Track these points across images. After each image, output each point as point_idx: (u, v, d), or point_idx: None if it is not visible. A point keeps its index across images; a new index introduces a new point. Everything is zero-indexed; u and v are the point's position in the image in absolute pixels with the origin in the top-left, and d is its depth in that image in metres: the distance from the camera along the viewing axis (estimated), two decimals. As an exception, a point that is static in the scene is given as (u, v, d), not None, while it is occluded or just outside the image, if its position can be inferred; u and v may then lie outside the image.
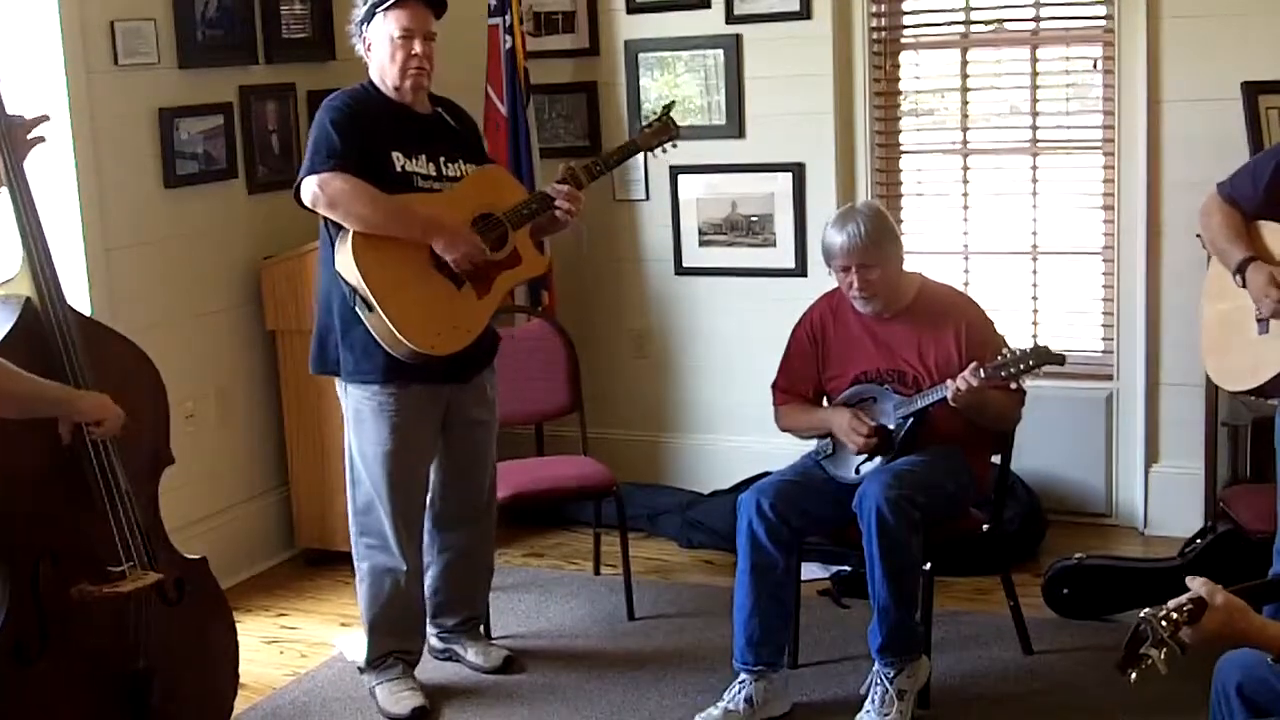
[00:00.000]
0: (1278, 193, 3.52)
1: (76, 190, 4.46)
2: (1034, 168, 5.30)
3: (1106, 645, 4.24)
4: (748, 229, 5.52)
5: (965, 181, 5.41)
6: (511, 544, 5.25)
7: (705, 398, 5.71)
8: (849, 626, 4.36)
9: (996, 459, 4.14)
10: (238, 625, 4.56)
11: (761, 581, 3.86)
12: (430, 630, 4.30)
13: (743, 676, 3.87)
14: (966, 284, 5.37)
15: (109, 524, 3.18)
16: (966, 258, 5.44)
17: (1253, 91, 4.72)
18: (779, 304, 5.08)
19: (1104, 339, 5.28)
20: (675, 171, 5.53)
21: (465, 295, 3.81)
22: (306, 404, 5.12)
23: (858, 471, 3.95)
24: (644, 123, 4.28)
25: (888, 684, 3.75)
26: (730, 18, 5.38)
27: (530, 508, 5.05)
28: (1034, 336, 5.27)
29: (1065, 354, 3.84)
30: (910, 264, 4.20)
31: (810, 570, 4.63)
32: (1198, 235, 3.93)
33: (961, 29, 5.36)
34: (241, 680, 4.19)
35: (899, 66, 5.44)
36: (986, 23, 5.38)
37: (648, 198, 5.66)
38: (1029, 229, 5.33)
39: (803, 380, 4.15)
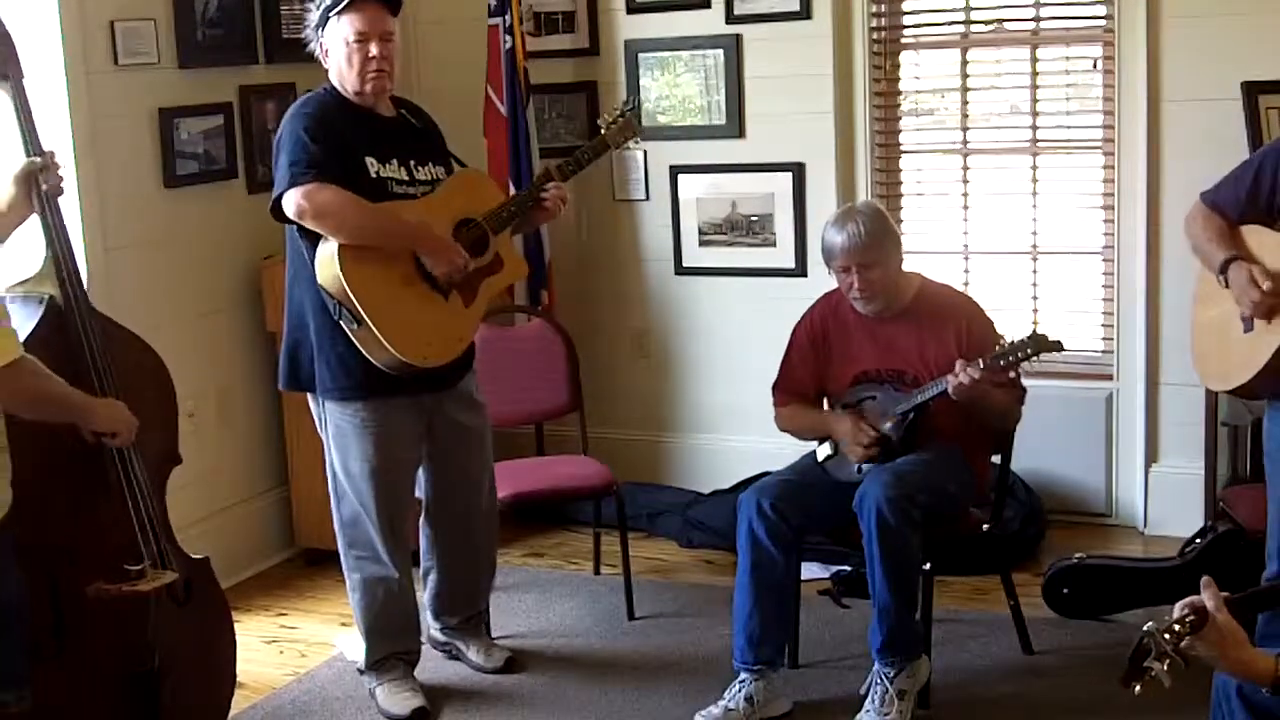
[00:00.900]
0: (1260, 197, 3.54)
1: (76, 190, 4.45)
2: (1034, 168, 5.30)
3: (1107, 645, 4.25)
4: (748, 229, 5.52)
5: (965, 181, 5.41)
6: (512, 544, 5.25)
7: (705, 397, 5.71)
8: (849, 626, 4.36)
9: (997, 459, 4.14)
10: (238, 625, 4.58)
11: (762, 581, 3.86)
12: (433, 625, 4.31)
13: (743, 676, 3.87)
14: (966, 284, 5.37)
15: (129, 523, 3.19)
16: (966, 258, 5.44)
17: (1253, 91, 4.72)
18: (779, 304, 5.07)
19: (1104, 339, 5.28)
20: (675, 171, 5.53)
21: (453, 304, 3.79)
22: (306, 404, 5.09)
23: (858, 471, 3.95)
24: (609, 120, 4.20)
25: (888, 684, 3.76)
26: (730, 18, 5.38)
27: (530, 507, 5.05)
28: (1034, 324, 5.25)
29: (1064, 348, 3.84)
30: (910, 264, 4.20)
31: (810, 570, 4.63)
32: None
33: (961, 29, 5.36)
34: (241, 680, 4.21)
35: (899, 66, 5.44)
36: (986, 22, 5.38)
37: (648, 197, 5.65)
38: (1029, 229, 5.33)
39: (803, 381, 4.15)
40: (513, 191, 4.91)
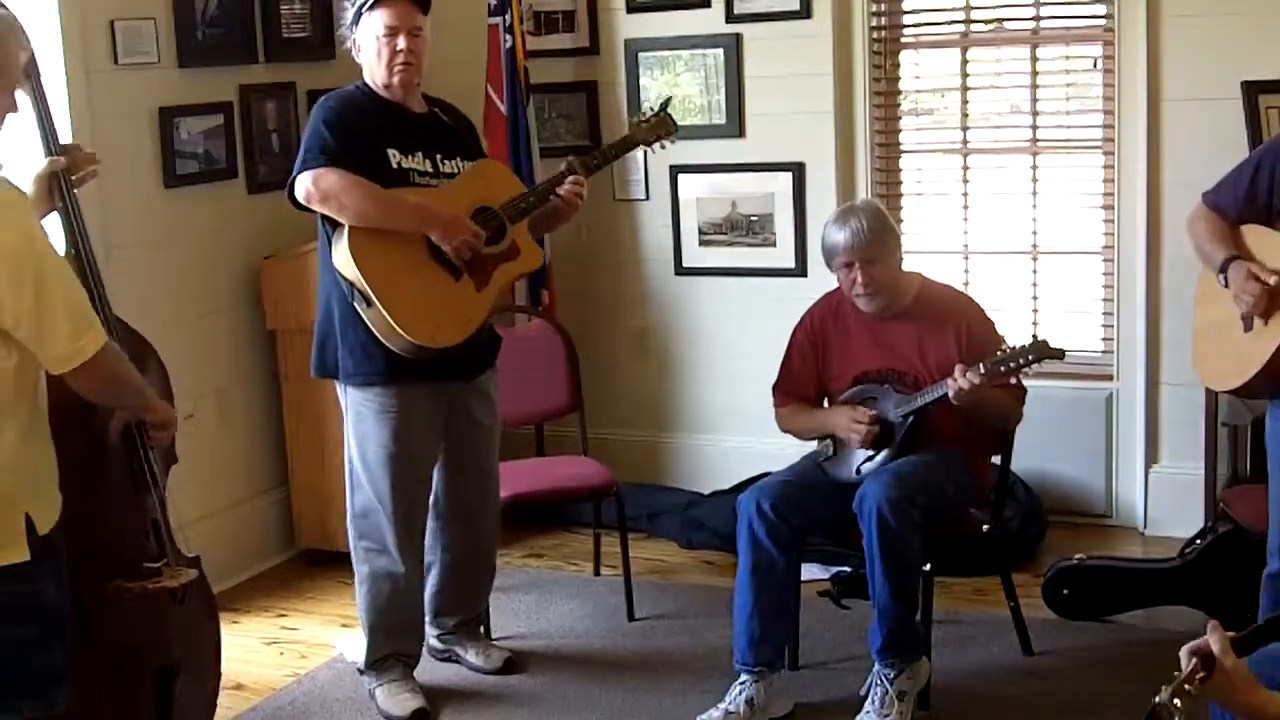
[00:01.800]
0: (1258, 198, 3.55)
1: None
2: (1034, 167, 5.30)
3: (1107, 646, 4.26)
4: (748, 229, 5.52)
5: (965, 181, 5.41)
6: (512, 545, 5.24)
7: (705, 398, 5.71)
8: (849, 627, 4.35)
9: (996, 459, 4.14)
10: (238, 625, 4.59)
11: (762, 581, 3.86)
12: (431, 631, 4.30)
13: (743, 677, 3.87)
14: (966, 284, 5.37)
15: (146, 521, 3.19)
16: (966, 257, 5.43)
17: (1253, 91, 4.72)
18: (779, 304, 5.08)
19: (1104, 339, 5.28)
20: (675, 171, 5.53)
21: (464, 286, 3.81)
22: (306, 404, 5.12)
23: (858, 472, 3.95)
24: (641, 116, 4.26)
25: (888, 685, 3.75)
26: (730, 17, 5.38)
27: (530, 508, 5.05)
28: (1034, 331, 5.25)
29: (1063, 348, 3.84)
30: (910, 263, 4.20)
31: (810, 571, 4.62)
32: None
33: (961, 28, 5.36)
34: (242, 681, 4.23)
35: (899, 66, 5.44)
36: (986, 22, 5.38)
37: (648, 197, 5.65)
38: (1029, 229, 5.33)
39: (803, 382, 4.15)
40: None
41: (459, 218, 3.78)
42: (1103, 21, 5.10)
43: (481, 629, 4.41)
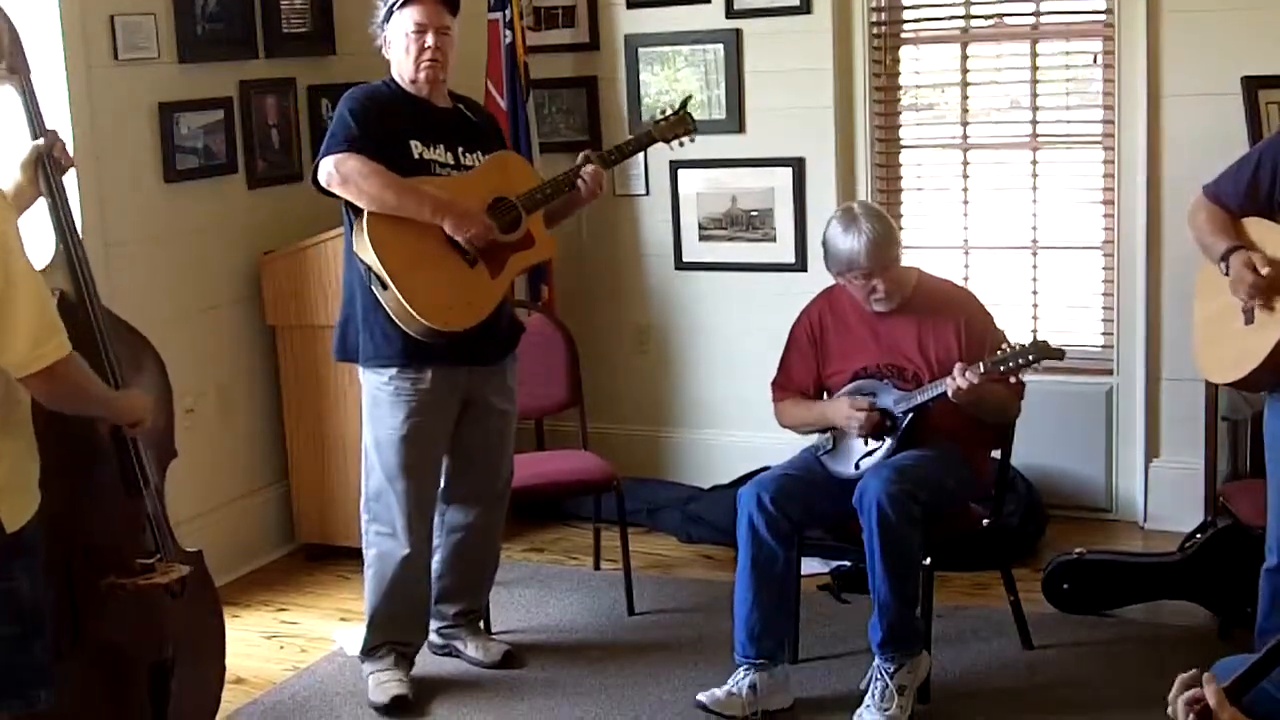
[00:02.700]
0: (1259, 190, 3.55)
1: (76, 185, 4.43)
2: (1034, 163, 5.30)
3: (1107, 640, 4.26)
4: (748, 224, 5.52)
5: (965, 176, 5.41)
6: (512, 539, 5.24)
7: (705, 392, 5.71)
8: (849, 622, 4.36)
9: (997, 454, 4.14)
10: (238, 620, 4.59)
11: (762, 576, 3.86)
12: (432, 623, 4.31)
13: (744, 669, 3.87)
14: (966, 279, 5.37)
15: (139, 517, 3.19)
16: (967, 253, 5.44)
17: (1253, 86, 4.72)
18: (779, 299, 5.08)
19: (1104, 334, 5.28)
20: (675, 166, 5.53)
21: (478, 273, 3.87)
22: (306, 399, 5.12)
23: (857, 466, 3.95)
24: (660, 115, 4.29)
25: (888, 679, 3.75)
26: (730, 12, 5.38)
27: (530, 502, 5.06)
28: (1034, 331, 5.26)
29: (1065, 349, 3.85)
30: (911, 259, 4.20)
31: (810, 565, 4.62)
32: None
33: (961, 24, 5.36)
34: (241, 675, 4.23)
35: (899, 61, 5.44)
36: (986, 17, 5.38)
37: (648, 192, 5.66)
38: (1029, 224, 5.33)
39: (802, 377, 4.16)
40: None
41: (471, 210, 3.83)
42: (1103, 17, 5.09)
43: (481, 623, 4.42)
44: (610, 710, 3.99)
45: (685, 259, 5.64)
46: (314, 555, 5.22)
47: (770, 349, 4.31)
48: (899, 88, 5.47)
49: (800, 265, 5.42)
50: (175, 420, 3.54)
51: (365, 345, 3.94)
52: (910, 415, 3.91)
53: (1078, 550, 4.47)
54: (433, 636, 4.32)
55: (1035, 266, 5.35)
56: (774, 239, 5.48)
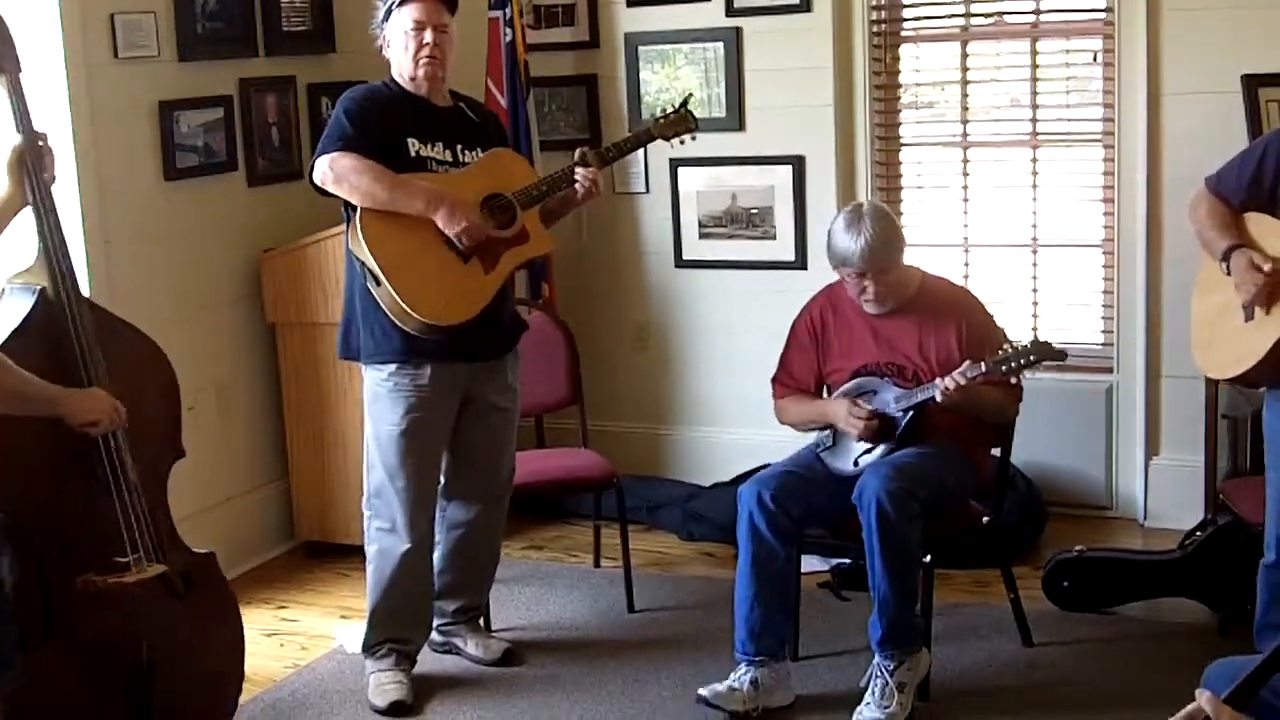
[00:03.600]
0: (1262, 184, 3.55)
1: (76, 183, 4.45)
2: (1034, 160, 5.30)
3: (1107, 638, 4.26)
4: (748, 221, 5.52)
5: (965, 174, 5.41)
6: (512, 536, 5.23)
7: (705, 390, 5.71)
8: (849, 619, 4.36)
9: (997, 451, 4.14)
10: (238, 617, 4.56)
11: (762, 573, 3.86)
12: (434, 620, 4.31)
13: (744, 667, 3.87)
14: (966, 277, 5.38)
15: (117, 515, 3.18)
16: (966, 250, 5.44)
17: (1253, 84, 4.72)
18: (779, 296, 5.08)
19: (1104, 331, 5.28)
20: (675, 164, 5.53)
21: (471, 269, 3.87)
22: (306, 396, 5.12)
23: (856, 463, 3.95)
24: (660, 113, 4.29)
25: (888, 676, 3.76)
26: (730, 10, 5.38)
27: (530, 500, 5.06)
28: (1034, 330, 5.26)
29: (1065, 349, 3.84)
30: (910, 257, 4.19)
31: (810, 563, 4.63)
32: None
33: (961, 22, 5.36)
34: (241, 673, 4.21)
35: (899, 59, 5.44)
36: (986, 16, 5.37)
37: (648, 190, 5.66)
38: (1029, 222, 5.33)
39: (803, 374, 4.16)
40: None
41: (463, 204, 3.83)
42: (1103, 15, 5.10)
43: (481, 621, 4.42)
44: (610, 707, 3.99)
45: (685, 257, 5.64)
46: (314, 553, 5.23)
47: (770, 347, 4.31)
48: (899, 86, 5.47)
49: (800, 263, 5.42)
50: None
51: (365, 342, 3.96)
52: (910, 414, 3.91)
53: (1078, 548, 4.47)
54: (433, 634, 4.32)
55: (1035, 264, 5.35)
56: (774, 237, 5.48)
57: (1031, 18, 5.27)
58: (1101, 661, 4.11)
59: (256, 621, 4.68)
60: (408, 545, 4.03)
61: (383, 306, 3.82)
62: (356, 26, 4.61)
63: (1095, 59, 5.20)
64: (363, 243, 3.76)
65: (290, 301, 5.07)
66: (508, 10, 5.34)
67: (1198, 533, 4.41)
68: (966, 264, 5.43)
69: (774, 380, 4.21)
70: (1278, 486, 3.61)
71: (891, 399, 3.95)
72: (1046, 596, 4.44)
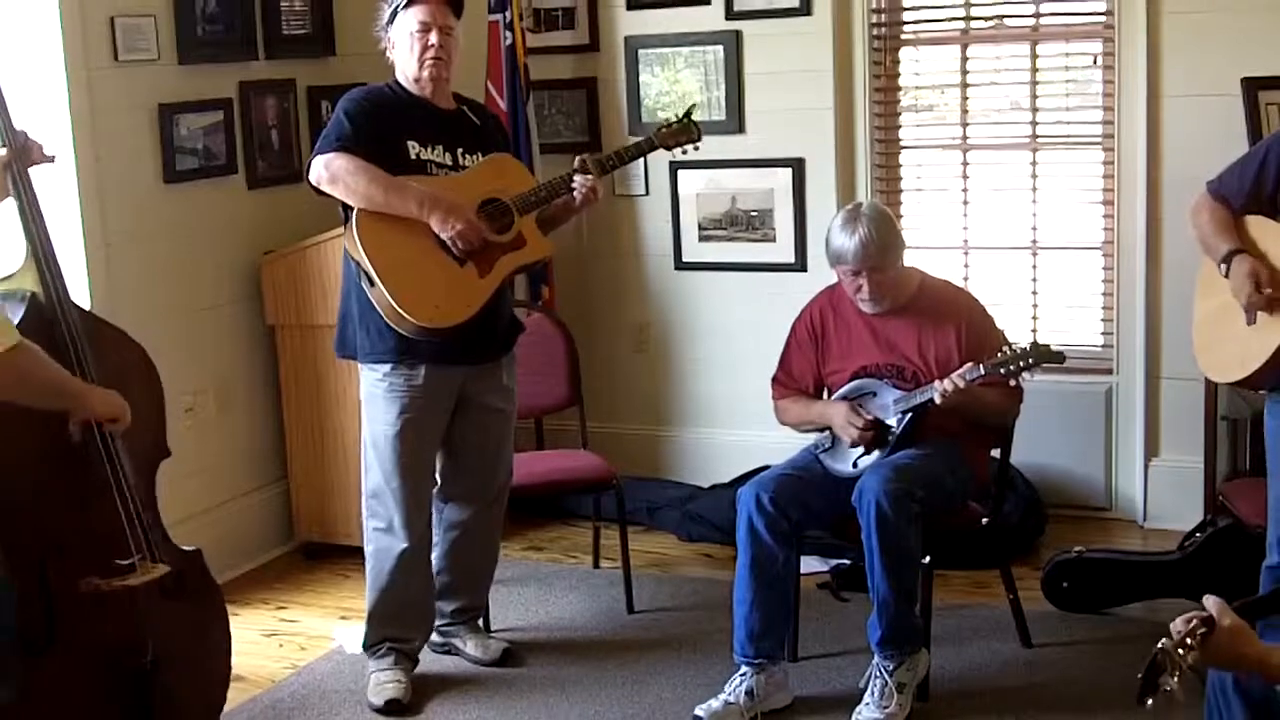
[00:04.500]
0: (1263, 188, 3.55)
1: (76, 186, 4.46)
2: (1034, 163, 5.30)
3: (1106, 639, 4.26)
4: (747, 224, 5.53)
5: (965, 177, 5.41)
6: (511, 537, 5.24)
7: (705, 392, 5.72)
8: (848, 620, 4.36)
9: (996, 452, 4.14)
10: (237, 618, 4.58)
11: (761, 575, 3.86)
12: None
13: (743, 669, 3.87)
14: (966, 279, 5.38)
15: (117, 517, 3.18)
16: (966, 253, 5.44)
17: (1253, 87, 4.72)
18: (778, 298, 5.08)
19: (1103, 333, 5.28)
20: (675, 167, 5.53)
21: (466, 272, 3.87)
22: (306, 398, 5.13)
23: (855, 465, 3.95)
24: (664, 123, 4.29)
25: (887, 677, 3.76)
26: (730, 14, 5.39)
27: (530, 501, 5.07)
28: (1034, 332, 5.27)
29: (1064, 351, 3.85)
30: (910, 259, 4.20)
31: (809, 564, 4.63)
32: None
33: (961, 25, 5.37)
34: (241, 673, 4.22)
35: (899, 62, 5.44)
36: (986, 18, 5.38)
37: (647, 193, 5.66)
38: (1029, 224, 5.33)
39: (802, 375, 4.16)
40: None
41: (458, 207, 3.83)
42: (1103, 18, 5.10)
43: (480, 621, 4.42)
44: (609, 708, 3.99)
45: (685, 259, 5.64)
46: (313, 553, 5.23)
47: (769, 348, 4.32)
48: (899, 89, 5.47)
49: (800, 265, 5.43)
50: (172, 420, 3.52)
51: (361, 341, 3.97)
52: (908, 417, 3.91)
53: (1077, 549, 4.47)
54: (432, 634, 4.32)
55: (1035, 267, 5.35)
56: (773, 239, 5.48)
57: (1031, 20, 5.28)
58: (1101, 662, 4.11)
59: (256, 622, 4.68)
60: (405, 545, 4.04)
61: (377, 308, 3.83)
62: (356, 30, 4.62)
63: (1095, 62, 5.21)
64: (359, 244, 3.77)
65: (290, 304, 5.08)
66: (508, 13, 5.35)
67: (1197, 534, 4.41)
68: (966, 266, 5.44)
69: (773, 380, 4.22)
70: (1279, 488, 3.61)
71: (890, 400, 3.95)
72: (1046, 597, 4.44)
